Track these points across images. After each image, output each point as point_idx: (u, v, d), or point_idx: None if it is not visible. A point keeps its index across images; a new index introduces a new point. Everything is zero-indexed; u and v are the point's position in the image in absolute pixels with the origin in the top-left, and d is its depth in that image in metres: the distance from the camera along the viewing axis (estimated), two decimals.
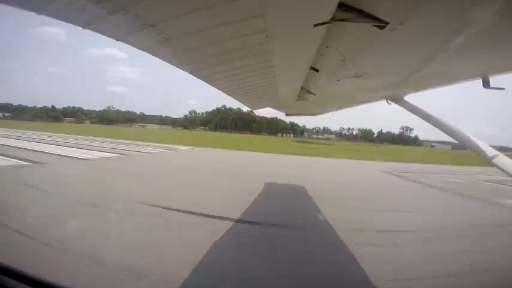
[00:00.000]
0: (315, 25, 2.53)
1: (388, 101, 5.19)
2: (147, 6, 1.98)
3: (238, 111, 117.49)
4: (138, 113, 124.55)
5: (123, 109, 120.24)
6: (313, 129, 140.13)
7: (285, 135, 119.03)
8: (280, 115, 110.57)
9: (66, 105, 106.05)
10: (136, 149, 28.89)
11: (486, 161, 3.83)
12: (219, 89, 5.30)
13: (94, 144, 30.29)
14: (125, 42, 2.60)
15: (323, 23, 2.49)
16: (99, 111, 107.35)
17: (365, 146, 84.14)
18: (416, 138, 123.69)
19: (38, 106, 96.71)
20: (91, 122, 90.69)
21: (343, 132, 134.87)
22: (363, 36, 2.61)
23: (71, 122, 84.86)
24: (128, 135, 47.88)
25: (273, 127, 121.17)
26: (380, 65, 3.56)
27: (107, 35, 2.41)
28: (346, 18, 2.30)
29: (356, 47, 3.02)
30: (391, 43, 2.60)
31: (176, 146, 36.21)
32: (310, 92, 6.12)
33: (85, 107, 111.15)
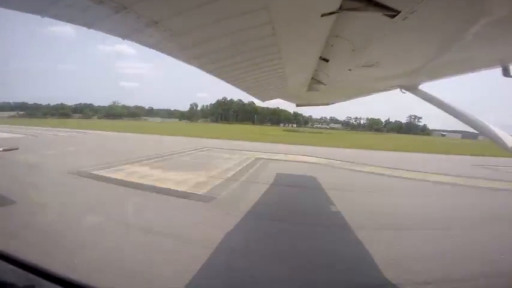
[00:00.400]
0: (323, 15, 2.44)
1: (402, 90, 5.02)
2: (149, 3, 1.97)
3: (239, 103, 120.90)
4: (146, 107, 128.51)
5: (133, 104, 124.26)
6: (320, 119, 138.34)
7: (287, 125, 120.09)
8: (284, 105, 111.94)
9: (78, 102, 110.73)
10: (54, 133, 33.88)
11: (506, 151, 3.67)
12: (228, 82, 5.28)
13: (28, 131, 34.01)
14: (131, 40, 2.61)
15: (331, 13, 2.40)
16: (108, 106, 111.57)
17: (358, 134, 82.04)
18: (424, 127, 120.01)
19: (52, 104, 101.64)
20: (98, 118, 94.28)
21: (351, 121, 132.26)
22: (373, 25, 2.50)
23: (79, 118, 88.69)
24: (97, 127, 50.44)
25: (275, 117, 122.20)
26: (393, 53, 3.42)
27: (112, 34, 2.42)
28: (355, 8, 2.20)
29: (367, 36, 2.90)
30: (404, 32, 2.48)
31: (105, 132, 40.09)
32: (320, 82, 5.98)
33: (96, 103, 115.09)
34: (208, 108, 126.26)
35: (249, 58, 4.01)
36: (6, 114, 77.60)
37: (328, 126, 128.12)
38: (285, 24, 2.76)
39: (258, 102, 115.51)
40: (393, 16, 2.15)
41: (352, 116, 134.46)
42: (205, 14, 2.43)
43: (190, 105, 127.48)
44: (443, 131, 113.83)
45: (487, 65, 3.24)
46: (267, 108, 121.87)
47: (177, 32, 2.66)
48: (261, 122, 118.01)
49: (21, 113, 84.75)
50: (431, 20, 2.18)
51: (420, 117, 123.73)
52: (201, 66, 4.15)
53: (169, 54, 3.39)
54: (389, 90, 5.76)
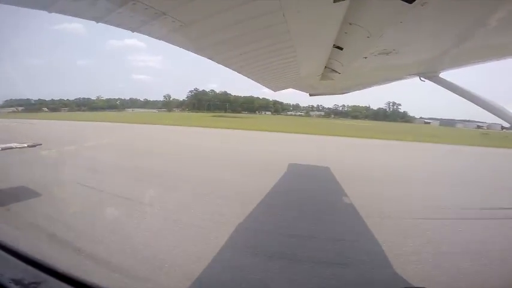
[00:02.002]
0: (335, 1, 2.32)
1: (421, 78, 4.79)
2: None
3: (211, 93, 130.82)
4: (141, 99, 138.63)
5: (127, 98, 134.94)
6: (308, 107, 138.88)
7: (263, 113, 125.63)
8: (258, 93, 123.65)
9: (77, 97, 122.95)
10: None
11: None
12: (238, 72, 5.22)
13: None
14: (141, 33, 2.60)
15: None
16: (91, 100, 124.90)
17: (309, 120, 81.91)
18: (405, 114, 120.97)
19: (55, 99, 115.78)
20: (83, 110, 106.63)
21: (338, 109, 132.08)
22: (389, 11, 2.36)
23: (67, 111, 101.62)
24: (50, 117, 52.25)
25: (249, 106, 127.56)
26: (411, 40, 3.23)
27: (121, 27, 2.42)
28: None
29: (383, 23, 2.75)
30: (423, 17, 2.32)
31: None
32: (334, 71, 5.80)
33: (93, 97, 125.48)
34: (185, 98, 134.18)
35: (260, 47, 3.92)
36: (10, 109, 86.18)
37: (302, 114, 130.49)
38: (295, 10, 2.65)
39: (234, 92, 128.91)
40: (411, 1, 2.01)
41: (339, 104, 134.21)
42: (214, 3, 2.37)
43: (164, 96, 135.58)
44: (426, 118, 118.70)
45: None
46: (241, 96, 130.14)
47: (186, 22, 2.62)
48: (235, 110, 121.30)
49: (21, 108, 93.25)
50: (452, 5, 2.02)
51: (399, 104, 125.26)
52: (212, 57, 4.11)
53: (179, 45, 3.36)
54: (407, 78, 5.51)
